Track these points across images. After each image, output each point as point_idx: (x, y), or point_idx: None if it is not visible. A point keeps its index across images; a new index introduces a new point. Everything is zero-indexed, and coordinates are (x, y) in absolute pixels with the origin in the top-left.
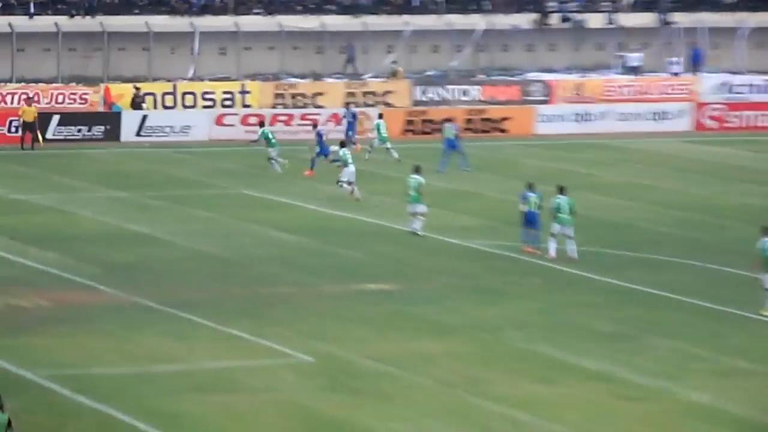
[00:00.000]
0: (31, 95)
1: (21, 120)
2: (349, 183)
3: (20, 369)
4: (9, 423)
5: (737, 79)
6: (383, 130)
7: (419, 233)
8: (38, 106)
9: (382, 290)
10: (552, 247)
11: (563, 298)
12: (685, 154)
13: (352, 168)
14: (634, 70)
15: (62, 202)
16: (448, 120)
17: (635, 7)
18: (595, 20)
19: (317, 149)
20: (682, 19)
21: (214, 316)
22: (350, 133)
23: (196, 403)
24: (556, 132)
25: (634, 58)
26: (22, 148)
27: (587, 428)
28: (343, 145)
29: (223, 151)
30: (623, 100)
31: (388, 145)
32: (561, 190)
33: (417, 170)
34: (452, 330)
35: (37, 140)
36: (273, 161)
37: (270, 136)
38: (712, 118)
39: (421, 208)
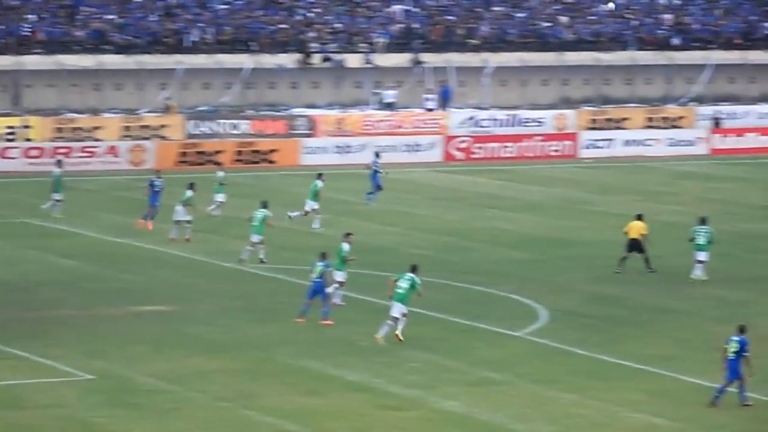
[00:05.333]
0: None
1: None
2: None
3: None
4: None
5: (482, 114)
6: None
7: (263, 261)
8: None
9: (158, 311)
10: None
11: None
12: (437, 183)
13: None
14: (389, 106)
15: None
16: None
17: (390, 48)
18: (353, 60)
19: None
20: (432, 59)
21: (0, 338)
22: (156, 204)
23: None
24: (320, 162)
25: (390, 95)
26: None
27: None
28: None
29: (5, 182)
30: (380, 134)
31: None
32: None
33: (264, 205)
34: (225, 347)
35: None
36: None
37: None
38: (459, 149)
39: (257, 238)
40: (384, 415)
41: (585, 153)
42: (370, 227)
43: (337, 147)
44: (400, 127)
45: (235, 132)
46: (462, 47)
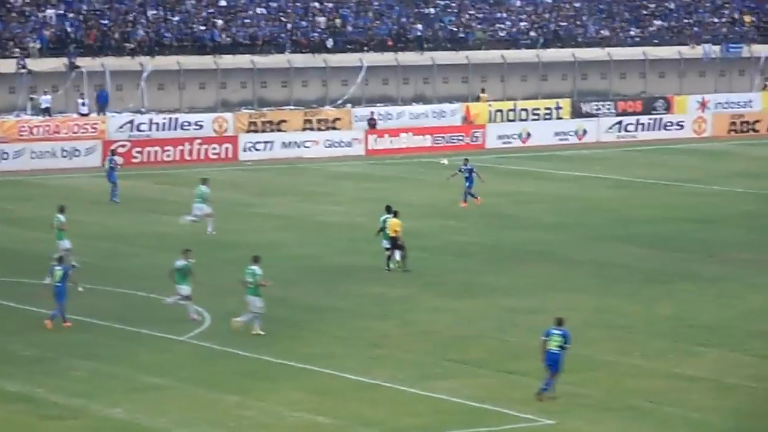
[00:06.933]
0: None
1: None
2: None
3: None
4: None
5: (141, 118)
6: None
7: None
8: None
9: None
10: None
11: None
12: (96, 188)
13: None
14: (45, 111)
15: None
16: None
17: (44, 53)
18: (6, 65)
19: None
20: (88, 63)
21: None
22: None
23: None
24: None
25: (45, 100)
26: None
27: None
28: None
29: None
30: (36, 140)
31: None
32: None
33: (62, 210)
34: None
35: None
36: None
37: None
38: (119, 154)
39: (65, 244)
40: (46, 424)
41: (245, 156)
42: (27, 235)
43: None
44: (57, 132)
45: None
46: (118, 51)
